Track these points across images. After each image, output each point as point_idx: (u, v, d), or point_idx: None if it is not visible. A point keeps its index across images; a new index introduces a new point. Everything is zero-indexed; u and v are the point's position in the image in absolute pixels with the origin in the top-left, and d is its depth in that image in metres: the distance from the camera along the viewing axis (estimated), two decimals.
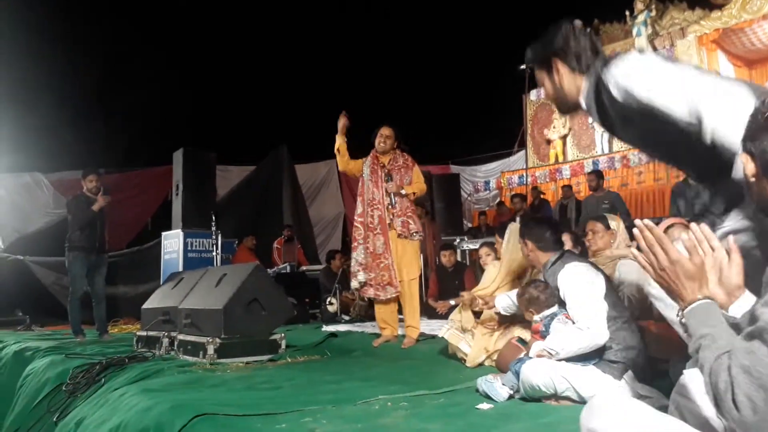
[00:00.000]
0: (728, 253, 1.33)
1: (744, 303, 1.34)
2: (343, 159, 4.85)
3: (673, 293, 1.30)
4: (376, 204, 4.66)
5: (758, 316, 1.11)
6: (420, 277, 5.01)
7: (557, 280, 2.62)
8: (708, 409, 1.20)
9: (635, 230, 1.35)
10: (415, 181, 4.77)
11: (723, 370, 1.10)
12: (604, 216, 3.97)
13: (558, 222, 2.90)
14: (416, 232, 4.67)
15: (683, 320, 1.26)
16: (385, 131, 4.78)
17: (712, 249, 1.33)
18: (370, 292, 4.66)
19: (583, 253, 3.91)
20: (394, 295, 4.59)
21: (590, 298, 2.47)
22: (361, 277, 4.60)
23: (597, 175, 8.26)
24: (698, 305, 1.24)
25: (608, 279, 2.63)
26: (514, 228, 4.06)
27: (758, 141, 1.25)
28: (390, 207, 4.64)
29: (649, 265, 1.32)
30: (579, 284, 2.53)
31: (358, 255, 4.64)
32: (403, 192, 4.65)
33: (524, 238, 2.84)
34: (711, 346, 1.15)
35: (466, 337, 3.62)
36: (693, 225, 1.38)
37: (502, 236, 4.05)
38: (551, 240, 2.77)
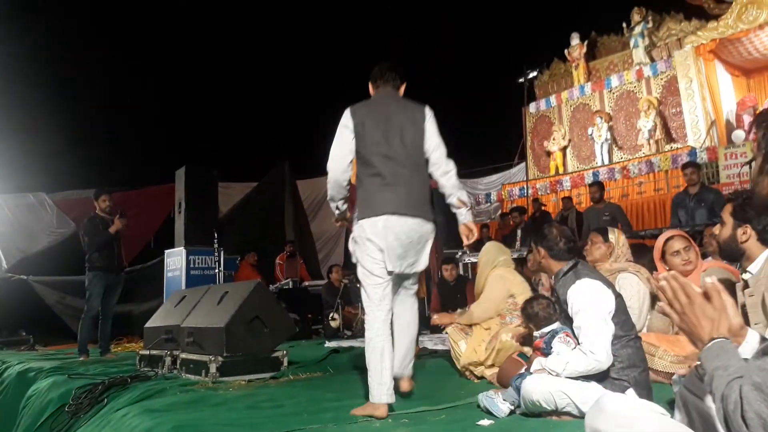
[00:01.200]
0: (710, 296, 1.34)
1: (751, 341, 1.35)
2: None
3: (693, 336, 1.32)
4: None
5: None
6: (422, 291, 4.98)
7: (567, 293, 2.57)
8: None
9: (661, 281, 1.38)
10: None
11: (734, 391, 1.10)
12: (606, 228, 3.98)
13: (572, 231, 2.85)
14: None
15: (701, 361, 1.27)
16: None
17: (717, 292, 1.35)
18: None
19: None
20: None
21: (598, 320, 2.43)
22: None
23: (599, 186, 8.27)
24: (714, 343, 1.26)
25: (618, 295, 2.58)
26: (486, 248, 4.16)
27: None
28: None
29: (673, 311, 1.35)
30: (589, 304, 2.48)
31: None
32: None
33: (537, 244, 2.79)
34: (723, 375, 1.16)
35: (468, 337, 3.67)
36: (667, 275, 1.40)
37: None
38: (564, 249, 2.71)
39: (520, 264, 7.37)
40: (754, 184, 1.33)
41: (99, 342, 6.22)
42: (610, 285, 2.61)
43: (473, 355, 3.59)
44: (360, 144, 2.96)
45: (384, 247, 2.78)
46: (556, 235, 2.72)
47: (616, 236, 3.86)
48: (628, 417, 1.21)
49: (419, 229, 2.93)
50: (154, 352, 4.60)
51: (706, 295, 1.31)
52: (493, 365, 3.48)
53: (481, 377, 3.54)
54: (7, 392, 4.91)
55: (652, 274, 3.43)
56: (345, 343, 6.27)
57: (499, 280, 3.88)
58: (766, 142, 1.30)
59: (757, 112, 10.79)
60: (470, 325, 3.84)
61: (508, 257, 4.17)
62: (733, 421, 1.08)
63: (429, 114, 3.22)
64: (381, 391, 2.63)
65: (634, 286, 3.45)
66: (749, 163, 5.69)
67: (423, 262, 3.03)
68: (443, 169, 3.13)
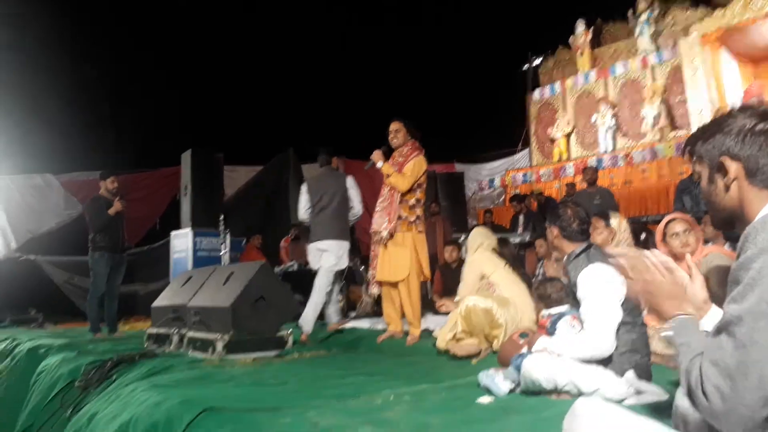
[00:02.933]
0: (690, 270, 1.44)
1: (713, 316, 1.44)
2: None
3: (658, 312, 1.42)
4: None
5: (725, 311, 1.19)
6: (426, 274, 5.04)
7: (577, 276, 2.56)
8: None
9: (618, 259, 1.51)
10: (405, 170, 4.64)
11: (695, 367, 1.18)
12: (607, 213, 4.00)
13: (587, 213, 2.83)
14: (376, 232, 4.70)
15: (666, 334, 1.36)
16: (393, 126, 4.79)
17: (670, 271, 1.44)
18: (374, 288, 4.90)
19: None
20: (377, 292, 4.85)
21: (606, 307, 2.43)
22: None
23: (594, 170, 8.38)
24: (678, 320, 1.35)
25: None
26: (471, 234, 4.26)
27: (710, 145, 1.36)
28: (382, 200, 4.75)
29: (637, 287, 1.47)
30: (598, 290, 2.47)
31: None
32: (379, 165, 4.68)
33: (551, 223, 2.75)
34: (687, 352, 1.25)
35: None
36: (647, 252, 1.49)
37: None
38: (578, 230, 2.68)
39: (524, 248, 7.45)
40: (708, 196, 1.40)
41: (106, 321, 6.32)
42: None
43: (445, 331, 3.70)
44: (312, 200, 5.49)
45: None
46: (570, 215, 2.69)
47: (618, 221, 3.90)
48: (603, 419, 1.27)
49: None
50: (161, 330, 4.69)
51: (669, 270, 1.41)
52: (463, 336, 3.58)
53: (466, 355, 3.61)
54: (18, 368, 5.00)
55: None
56: (348, 324, 6.35)
57: (472, 263, 4.06)
58: (708, 152, 1.37)
59: (763, 101, 10.76)
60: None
61: (491, 241, 4.29)
62: (696, 395, 1.16)
63: (351, 182, 5.54)
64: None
65: None
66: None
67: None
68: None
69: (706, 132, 1.38)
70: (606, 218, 3.88)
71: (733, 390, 1.10)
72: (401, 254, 4.60)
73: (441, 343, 3.79)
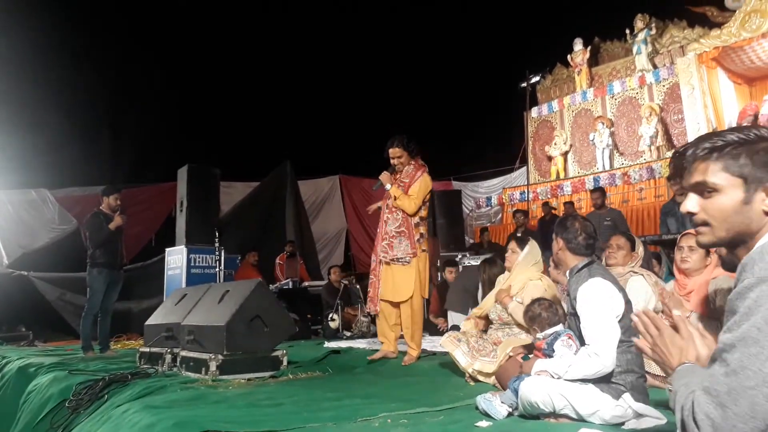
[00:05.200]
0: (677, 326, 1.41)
1: None
2: None
3: (665, 365, 1.38)
4: (380, 227, 4.78)
5: (720, 340, 1.16)
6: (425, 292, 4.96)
7: (577, 290, 2.53)
8: None
9: (635, 318, 1.46)
10: (410, 192, 4.63)
11: (689, 399, 1.15)
12: (634, 237, 3.94)
13: (595, 228, 2.79)
14: (399, 258, 4.59)
15: (671, 388, 1.31)
16: (394, 153, 4.72)
17: (660, 330, 1.41)
18: (370, 307, 4.81)
19: None
20: (373, 312, 4.77)
21: (605, 323, 2.41)
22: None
23: (601, 193, 8.32)
24: (682, 367, 1.31)
25: (628, 300, 2.56)
26: (534, 244, 4.07)
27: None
28: (384, 225, 4.70)
29: (646, 345, 1.43)
30: (597, 305, 2.45)
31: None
32: (387, 187, 4.64)
33: (557, 235, 2.72)
34: (684, 390, 1.21)
35: (462, 345, 3.64)
36: (639, 312, 1.46)
37: (519, 244, 4.07)
38: (583, 244, 2.64)
39: None
40: (728, 219, 1.35)
41: (98, 339, 6.23)
42: (622, 289, 2.58)
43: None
44: None
45: None
46: (577, 228, 2.65)
47: (642, 249, 3.86)
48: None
49: None
50: (154, 349, 4.62)
51: (675, 327, 1.39)
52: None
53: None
54: (8, 387, 4.92)
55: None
56: (344, 344, 6.29)
57: (536, 287, 3.79)
58: (748, 166, 1.33)
59: (758, 120, 10.82)
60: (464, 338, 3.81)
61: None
62: (687, 425, 1.13)
63: None
64: None
65: (641, 288, 3.48)
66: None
67: None
68: None
69: (740, 139, 1.30)
70: (632, 242, 3.80)
71: (724, 418, 1.07)
72: (406, 273, 4.55)
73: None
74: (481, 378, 3.50)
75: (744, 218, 1.28)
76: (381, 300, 4.65)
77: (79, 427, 3.23)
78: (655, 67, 13.66)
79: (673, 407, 1.22)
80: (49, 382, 4.20)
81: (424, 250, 4.66)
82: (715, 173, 1.31)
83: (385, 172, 4.71)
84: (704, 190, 1.32)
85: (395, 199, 4.58)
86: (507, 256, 4.10)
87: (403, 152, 4.67)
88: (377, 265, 4.69)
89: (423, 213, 4.65)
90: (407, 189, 4.60)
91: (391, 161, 4.71)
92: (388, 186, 4.63)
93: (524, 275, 3.86)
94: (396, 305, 4.63)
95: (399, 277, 4.55)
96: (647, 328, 1.41)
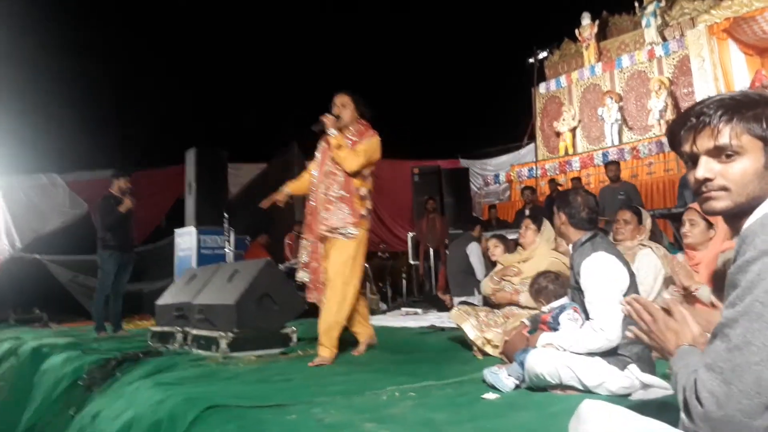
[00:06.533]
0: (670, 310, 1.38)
1: None
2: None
3: (663, 351, 1.35)
4: (317, 191, 3.93)
5: (722, 316, 1.13)
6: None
7: (581, 264, 2.52)
8: None
9: (625, 306, 1.43)
10: (358, 148, 3.83)
11: (691, 378, 1.12)
12: (640, 210, 3.90)
13: (597, 201, 2.77)
14: (338, 228, 3.76)
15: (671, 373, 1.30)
16: (338, 100, 3.95)
17: (653, 315, 1.39)
18: (312, 297, 3.92)
19: None
20: (319, 302, 3.82)
21: (610, 297, 2.40)
22: (303, 275, 3.95)
23: (617, 166, 8.23)
24: (680, 349, 1.29)
25: (632, 274, 2.54)
26: (549, 226, 4.08)
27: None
28: (317, 192, 3.88)
29: (642, 332, 1.40)
30: (602, 279, 2.44)
31: (303, 247, 4.00)
32: (332, 132, 3.81)
33: (559, 209, 2.70)
34: (684, 371, 1.19)
35: (471, 319, 3.67)
36: (629, 299, 1.43)
37: (534, 221, 4.07)
38: (586, 218, 2.63)
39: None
40: (748, 185, 1.29)
41: (111, 319, 6.32)
42: (626, 262, 2.57)
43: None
44: None
45: None
46: (580, 203, 2.64)
47: (649, 222, 3.84)
48: (608, 421, 1.21)
49: None
50: (165, 328, 4.68)
51: (667, 311, 1.36)
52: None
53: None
54: (22, 367, 5.00)
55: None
56: None
57: (549, 260, 3.83)
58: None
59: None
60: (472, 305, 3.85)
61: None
62: (690, 403, 1.10)
63: None
64: None
65: (651, 262, 3.47)
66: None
67: None
68: None
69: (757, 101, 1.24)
70: (639, 216, 3.74)
71: (728, 395, 1.04)
72: (345, 248, 3.77)
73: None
74: (489, 350, 3.52)
75: (764, 183, 1.23)
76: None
77: (92, 404, 3.28)
78: (664, 39, 13.44)
79: (675, 389, 1.20)
80: (63, 361, 4.27)
81: (368, 230, 3.93)
82: (738, 135, 1.23)
83: (329, 115, 3.89)
84: (723, 153, 1.24)
85: (338, 149, 3.79)
86: (521, 233, 4.12)
87: (351, 103, 3.94)
88: (315, 245, 3.89)
89: (370, 185, 3.94)
90: (353, 147, 3.85)
91: (334, 110, 3.92)
92: (332, 131, 3.82)
93: (545, 260, 3.86)
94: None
95: (337, 252, 3.76)
96: (640, 315, 1.39)
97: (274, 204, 4.15)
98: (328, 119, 3.84)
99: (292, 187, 4.20)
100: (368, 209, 3.91)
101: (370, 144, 3.85)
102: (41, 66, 12.49)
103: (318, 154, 4.02)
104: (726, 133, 1.23)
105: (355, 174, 3.80)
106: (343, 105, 3.92)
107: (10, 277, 9.45)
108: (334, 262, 3.73)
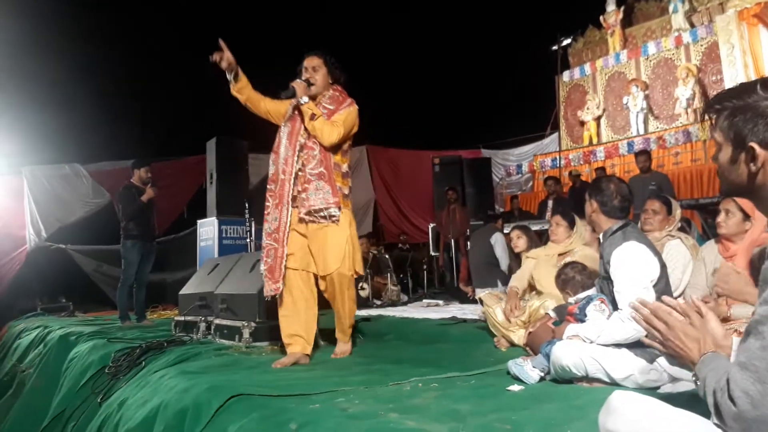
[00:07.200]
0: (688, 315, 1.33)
1: (734, 346, 1.33)
2: (251, 99, 3.75)
3: (684, 360, 1.31)
4: (287, 165, 3.40)
5: (755, 313, 1.09)
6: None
7: (611, 254, 2.49)
8: None
9: (633, 313, 1.41)
10: (336, 119, 3.35)
11: (722, 380, 1.08)
12: (669, 200, 3.83)
13: (631, 191, 2.74)
14: (319, 210, 3.30)
15: (697, 381, 1.25)
16: (309, 62, 3.48)
17: (669, 320, 1.35)
18: (268, 287, 3.40)
19: None
20: (272, 293, 3.36)
21: (640, 287, 2.37)
22: (261, 265, 3.49)
23: (648, 156, 8.08)
24: (705, 356, 1.25)
25: (663, 265, 2.51)
26: (580, 222, 4.03)
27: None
28: (297, 168, 3.36)
29: (655, 340, 1.36)
30: (632, 269, 2.41)
31: (266, 229, 3.51)
32: (304, 100, 3.33)
33: (591, 197, 2.67)
34: (713, 375, 1.15)
35: (501, 303, 3.64)
36: (635, 304, 1.39)
37: (564, 217, 4.02)
38: (618, 207, 2.59)
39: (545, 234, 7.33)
40: (725, 173, 1.30)
41: (135, 309, 6.40)
42: (657, 253, 2.53)
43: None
44: None
45: None
46: (612, 191, 2.60)
47: (679, 213, 3.77)
48: (640, 415, 1.17)
49: None
50: (188, 318, 4.72)
51: (685, 314, 1.32)
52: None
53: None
54: (50, 355, 5.09)
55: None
56: (374, 312, 6.33)
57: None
58: (733, 129, 1.26)
59: None
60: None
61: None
62: (722, 405, 1.06)
63: None
64: None
65: (680, 252, 3.41)
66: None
67: None
68: None
69: (734, 103, 1.25)
70: (668, 205, 3.66)
71: (764, 394, 1.00)
72: (337, 237, 3.34)
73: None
74: (514, 339, 3.49)
75: (734, 177, 1.27)
76: (290, 269, 3.36)
77: (118, 392, 3.33)
78: (692, 26, 13.16)
79: (703, 393, 1.16)
80: (89, 349, 4.34)
81: (351, 211, 3.53)
82: (716, 131, 1.31)
83: (300, 81, 3.41)
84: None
85: (312, 118, 3.30)
86: (552, 230, 4.07)
87: (323, 66, 3.47)
88: (278, 224, 3.41)
89: (348, 159, 3.53)
90: (329, 117, 3.38)
91: (304, 74, 3.45)
92: (303, 99, 3.33)
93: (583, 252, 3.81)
94: (321, 280, 3.43)
95: (331, 240, 3.34)
96: (650, 322, 1.35)
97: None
98: (298, 85, 3.35)
99: (246, 86, 3.80)
100: (350, 188, 3.51)
101: (349, 114, 3.40)
102: (64, 57, 12.63)
103: (286, 126, 3.50)
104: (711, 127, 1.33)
105: (335, 148, 3.37)
106: (315, 69, 3.46)
107: (37, 266, 9.64)
108: (332, 248, 3.33)
